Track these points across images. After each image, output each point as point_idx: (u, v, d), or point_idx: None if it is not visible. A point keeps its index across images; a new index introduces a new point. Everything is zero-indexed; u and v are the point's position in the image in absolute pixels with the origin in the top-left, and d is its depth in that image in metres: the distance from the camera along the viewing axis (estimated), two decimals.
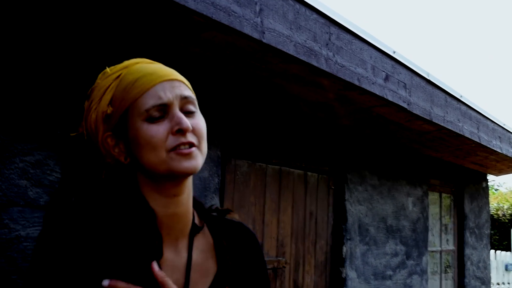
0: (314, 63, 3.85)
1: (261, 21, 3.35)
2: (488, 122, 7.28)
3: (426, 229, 7.78)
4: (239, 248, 1.63)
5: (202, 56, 3.63)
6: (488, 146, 7.19)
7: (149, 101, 1.38)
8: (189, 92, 1.46)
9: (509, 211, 18.50)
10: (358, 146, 6.25)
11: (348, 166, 6.05)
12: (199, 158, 1.41)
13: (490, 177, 10.80)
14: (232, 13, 3.12)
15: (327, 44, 3.99)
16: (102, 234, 1.36)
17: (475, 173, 9.66)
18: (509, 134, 8.17)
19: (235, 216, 1.73)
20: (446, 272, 8.91)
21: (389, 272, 6.76)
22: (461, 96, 6.30)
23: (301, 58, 3.72)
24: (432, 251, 8.41)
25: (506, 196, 23.17)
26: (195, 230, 1.54)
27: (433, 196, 8.54)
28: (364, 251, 6.26)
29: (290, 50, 3.60)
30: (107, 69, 1.48)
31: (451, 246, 9.08)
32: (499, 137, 7.70)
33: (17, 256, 2.94)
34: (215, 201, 4.30)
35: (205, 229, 1.59)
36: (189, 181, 1.49)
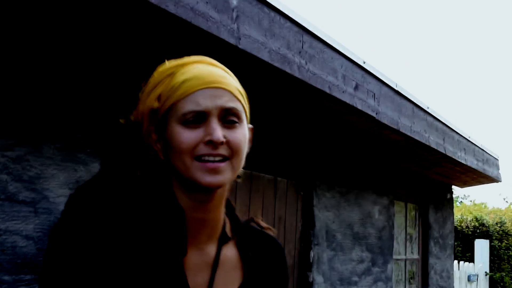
0: (288, 70, 3.95)
1: (237, 27, 3.44)
2: (454, 134, 7.43)
3: (391, 237, 7.90)
4: (266, 262, 1.62)
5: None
6: (453, 157, 7.34)
7: (188, 106, 1.37)
8: (234, 103, 1.41)
9: (473, 223, 18.73)
10: (327, 154, 6.35)
11: (317, 173, 6.15)
12: (226, 173, 1.39)
13: (454, 190, 10.92)
14: (210, 18, 3.21)
15: (299, 52, 4.09)
16: (129, 228, 1.35)
17: (440, 184, 9.82)
18: (474, 146, 8.34)
19: (272, 232, 1.72)
20: (410, 283, 9.03)
21: (355, 278, 6.86)
22: (427, 108, 6.44)
23: (275, 64, 3.81)
24: (397, 259, 8.53)
25: (470, 209, 23.48)
26: (224, 239, 1.52)
27: (398, 206, 8.67)
28: (331, 257, 6.35)
29: (265, 56, 3.70)
30: (166, 63, 1.47)
31: (415, 255, 9.21)
32: (464, 149, 7.86)
33: None
34: None
35: (235, 238, 1.58)
36: (221, 190, 1.45)
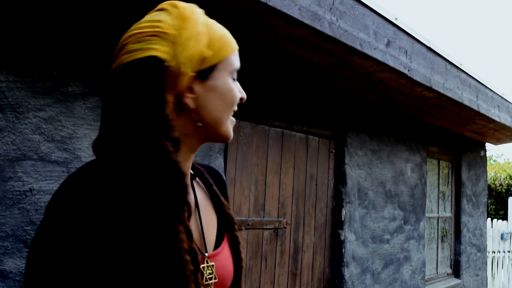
0: (318, 27, 3.93)
1: None
2: (487, 91, 7.35)
3: (424, 195, 7.88)
4: (219, 190, 1.69)
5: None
6: (487, 114, 7.27)
7: (236, 63, 1.47)
8: None
9: (506, 181, 18.60)
10: (359, 111, 6.33)
11: (349, 130, 6.14)
12: None
13: (488, 148, 10.84)
14: None
15: (330, 9, 4.06)
16: (132, 193, 1.28)
17: (473, 141, 9.74)
18: (507, 103, 8.24)
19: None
20: (442, 241, 9.03)
21: (387, 236, 6.87)
22: (461, 64, 6.37)
23: (305, 21, 3.79)
24: (430, 217, 8.52)
25: (504, 167, 23.29)
26: (192, 177, 1.57)
27: (431, 164, 8.63)
28: (363, 215, 6.37)
29: (295, 13, 3.67)
30: (185, 11, 1.41)
31: (448, 213, 9.19)
32: (498, 106, 7.77)
33: (30, 208, 3.05)
34: (219, 161, 4.40)
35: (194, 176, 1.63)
36: None
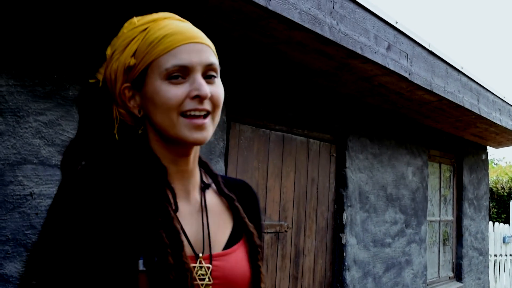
0: (318, 31, 3.93)
1: None
2: (488, 94, 7.35)
3: (425, 198, 7.88)
4: (245, 203, 1.67)
5: (208, 22, 3.71)
6: (488, 118, 7.27)
7: (172, 61, 1.36)
8: (214, 58, 1.44)
9: (508, 184, 18.59)
10: (360, 115, 6.33)
11: (350, 134, 6.14)
12: (210, 129, 1.41)
13: (490, 151, 10.85)
14: None
15: (331, 13, 4.06)
16: (114, 194, 1.36)
17: (474, 145, 9.74)
18: (509, 106, 8.24)
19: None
20: (444, 244, 9.02)
21: (388, 240, 6.87)
22: (462, 68, 6.37)
23: (305, 25, 3.79)
24: (431, 221, 8.51)
25: (506, 170, 23.27)
26: (205, 186, 1.57)
27: (433, 167, 8.63)
28: (364, 218, 6.37)
29: (295, 17, 3.68)
30: (134, 19, 1.46)
31: (449, 217, 9.19)
32: (499, 109, 7.77)
33: (31, 212, 3.05)
34: (220, 165, 4.40)
35: (213, 186, 1.62)
36: None
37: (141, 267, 1.30)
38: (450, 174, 9.29)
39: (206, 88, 1.37)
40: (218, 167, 4.38)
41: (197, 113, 1.37)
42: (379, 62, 4.67)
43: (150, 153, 1.45)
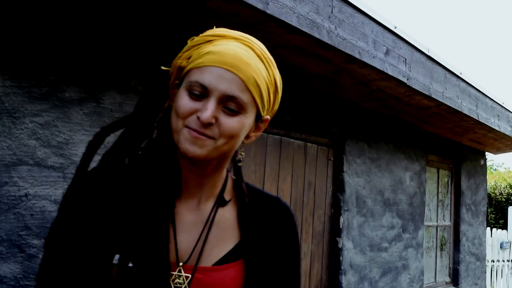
0: (317, 35, 3.93)
1: None
2: (487, 100, 7.35)
3: (423, 203, 7.88)
4: (270, 224, 1.62)
5: (206, 25, 3.71)
6: (487, 123, 7.27)
7: (196, 76, 1.37)
8: (241, 92, 1.38)
9: (506, 190, 18.60)
10: (358, 120, 6.33)
11: (347, 138, 6.13)
12: (208, 148, 1.38)
13: (489, 157, 10.83)
14: None
15: (329, 17, 4.06)
16: (120, 191, 1.45)
17: (473, 150, 9.74)
18: (507, 112, 8.24)
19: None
20: (442, 249, 9.02)
21: (385, 244, 6.87)
22: (460, 73, 6.37)
23: (303, 29, 3.79)
24: (428, 226, 8.51)
25: (504, 176, 23.28)
26: (221, 203, 1.55)
27: (430, 172, 8.63)
28: (361, 223, 6.36)
29: (293, 21, 3.68)
30: (214, 29, 1.50)
31: (447, 222, 9.18)
32: (498, 115, 7.78)
33: (25, 213, 3.05)
34: None
35: (235, 201, 1.60)
36: (216, 159, 1.47)
37: (115, 261, 1.37)
38: (448, 179, 9.29)
39: (208, 114, 1.34)
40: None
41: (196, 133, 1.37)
42: (378, 67, 4.67)
43: (172, 151, 1.50)
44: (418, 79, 5.36)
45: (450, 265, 9.23)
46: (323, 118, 5.77)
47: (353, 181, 6.22)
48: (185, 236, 1.46)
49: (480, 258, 10.08)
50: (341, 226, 6.02)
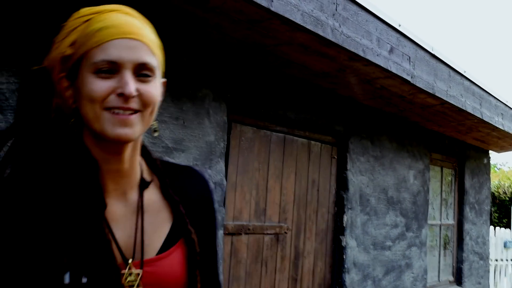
0: (321, 33, 3.93)
1: None
2: (491, 99, 7.34)
3: (426, 202, 7.87)
4: (191, 194, 1.60)
5: (209, 22, 3.71)
6: (490, 122, 7.26)
7: (101, 55, 1.30)
8: (149, 57, 1.36)
9: (510, 189, 18.59)
10: (361, 118, 6.33)
11: (351, 136, 6.13)
12: (137, 126, 1.35)
13: (492, 156, 10.80)
14: None
15: (333, 15, 4.06)
16: (42, 198, 1.32)
17: (477, 149, 9.73)
18: (511, 111, 8.23)
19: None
20: (445, 247, 9.02)
21: (389, 243, 6.86)
22: (464, 72, 6.36)
23: (308, 27, 3.79)
24: (432, 225, 8.50)
25: (508, 174, 23.26)
26: (144, 185, 1.49)
27: (434, 171, 8.62)
28: (364, 221, 6.36)
29: (297, 19, 3.68)
30: (81, 10, 1.40)
31: (450, 221, 9.18)
32: (502, 114, 7.76)
33: None
34: (220, 166, 4.40)
35: (156, 180, 1.55)
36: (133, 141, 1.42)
37: (66, 281, 1.27)
38: (451, 178, 9.28)
39: (131, 87, 1.30)
40: (219, 168, 4.38)
41: (121, 111, 1.31)
42: (381, 65, 4.66)
43: (82, 147, 1.40)
44: (422, 77, 5.35)
45: (454, 264, 9.22)
46: (326, 116, 5.77)
47: (356, 179, 6.22)
48: (120, 232, 1.40)
49: (484, 257, 10.07)
50: (344, 224, 6.02)
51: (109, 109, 1.30)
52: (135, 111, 1.33)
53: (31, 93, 1.44)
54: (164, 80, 1.48)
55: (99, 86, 1.30)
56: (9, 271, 1.26)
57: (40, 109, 1.43)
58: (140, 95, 1.33)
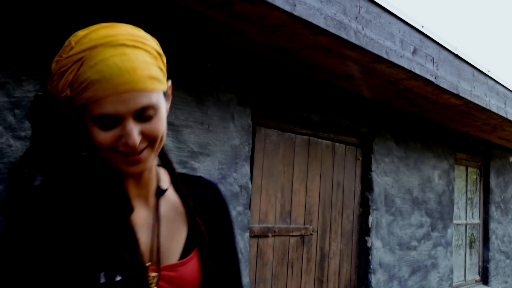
0: (344, 36, 3.94)
1: None
2: None
3: (451, 202, 7.85)
4: (205, 204, 1.66)
5: (233, 27, 3.75)
6: None
7: (98, 110, 1.30)
8: (148, 98, 1.34)
9: None
10: (385, 119, 6.33)
11: (375, 137, 6.14)
12: (149, 159, 1.40)
13: None
14: None
15: (356, 18, 4.07)
16: (73, 208, 1.37)
17: (502, 148, 9.68)
18: None
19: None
20: (471, 247, 8.98)
21: (414, 243, 6.86)
22: (488, 71, 6.34)
23: (331, 30, 3.81)
24: (457, 224, 8.48)
25: None
26: (160, 193, 1.55)
27: (459, 170, 8.59)
28: (390, 222, 6.36)
29: (320, 22, 3.70)
30: (72, 42, 1.37)
31: (476, 220, 9.14)
32: None
33: None
34: (246, 169, 4.43)
35: (172, 188, 1.62)
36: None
37: (102, 280, 1.32)
38: (476, 177, 9.25)
39: (134, 136, 1.32)
40: (244, 171, 4.41)
41: (131, 154, 1.35)
42: (405, 66, 4.66)
43: (108, 168, 1.44)
44: (445, 77, 5.34)
45: (480, 263, 9.18)
46: (350, 117, 5.78)
47: (381, 180, 6.22)
48: (144, 237, 1.46)
49: (510, 256, 10.01)
50: (370, 225, 6.03)
51: (118, 152, 1.35)
52: (144, 148, 1.38)
53: (44, 117, 1.47)
54: (169, 84, 1.50)
55: (104, 137, 1.33)
56: (48, 273, 1.32)
57: (56, 130, 1.46)
58: (146, 135, 1.36)
